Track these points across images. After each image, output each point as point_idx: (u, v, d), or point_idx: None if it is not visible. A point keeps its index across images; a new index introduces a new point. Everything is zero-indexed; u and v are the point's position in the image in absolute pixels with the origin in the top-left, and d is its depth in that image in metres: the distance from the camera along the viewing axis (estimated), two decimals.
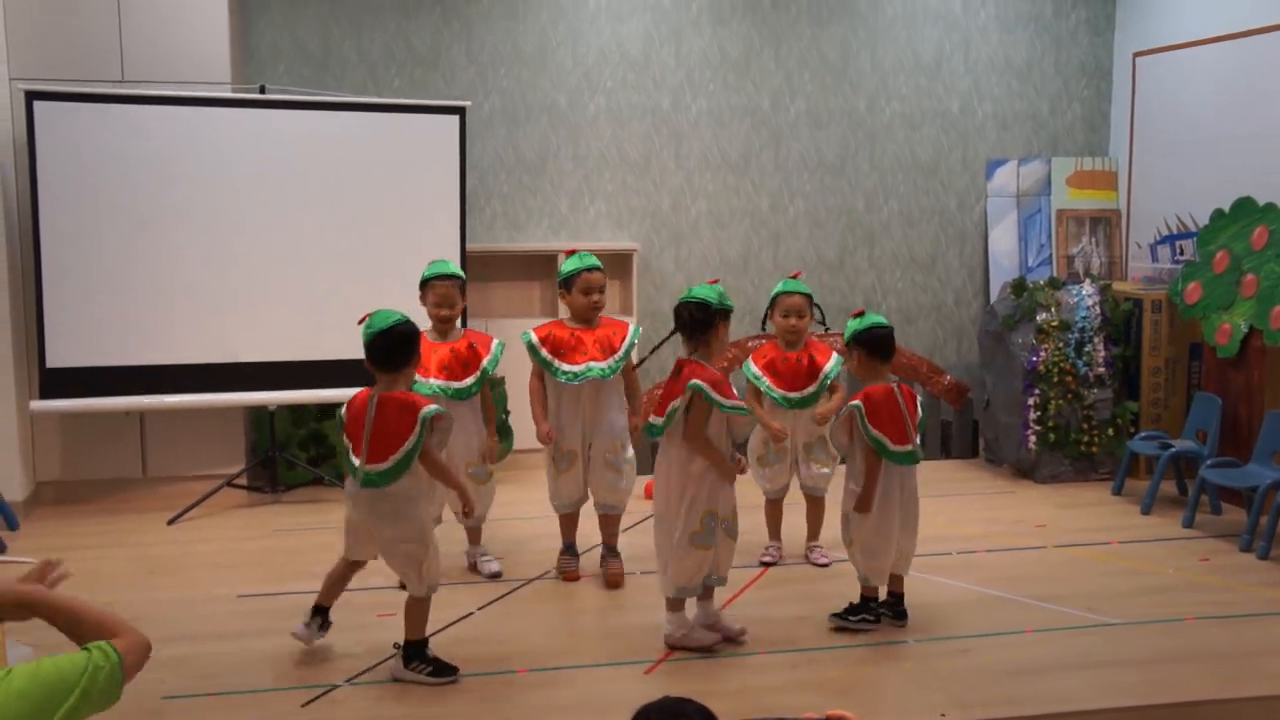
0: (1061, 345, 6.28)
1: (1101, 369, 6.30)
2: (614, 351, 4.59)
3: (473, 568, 4.79)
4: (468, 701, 3.59)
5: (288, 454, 6.06)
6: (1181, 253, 6.63)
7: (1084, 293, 6.42)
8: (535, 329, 4.64)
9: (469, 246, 6.19)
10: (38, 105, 5.37)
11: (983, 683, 3.71)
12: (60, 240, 5.47)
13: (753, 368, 4.86)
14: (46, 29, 5.62)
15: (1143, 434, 6.09)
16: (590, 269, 4.57)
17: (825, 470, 4.86)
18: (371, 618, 4.27)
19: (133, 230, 5.58)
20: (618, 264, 6.56)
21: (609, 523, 4.74)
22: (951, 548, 5.06)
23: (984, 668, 3.83)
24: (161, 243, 5.62)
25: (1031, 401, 6.26)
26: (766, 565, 4.85)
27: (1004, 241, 7.21)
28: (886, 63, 7.04)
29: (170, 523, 5.54)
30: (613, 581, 4.61)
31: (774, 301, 4.80)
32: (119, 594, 4.53)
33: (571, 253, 4.68)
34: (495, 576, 4.70)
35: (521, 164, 6.74)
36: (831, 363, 4.75)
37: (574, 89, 6.73)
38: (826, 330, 5.50)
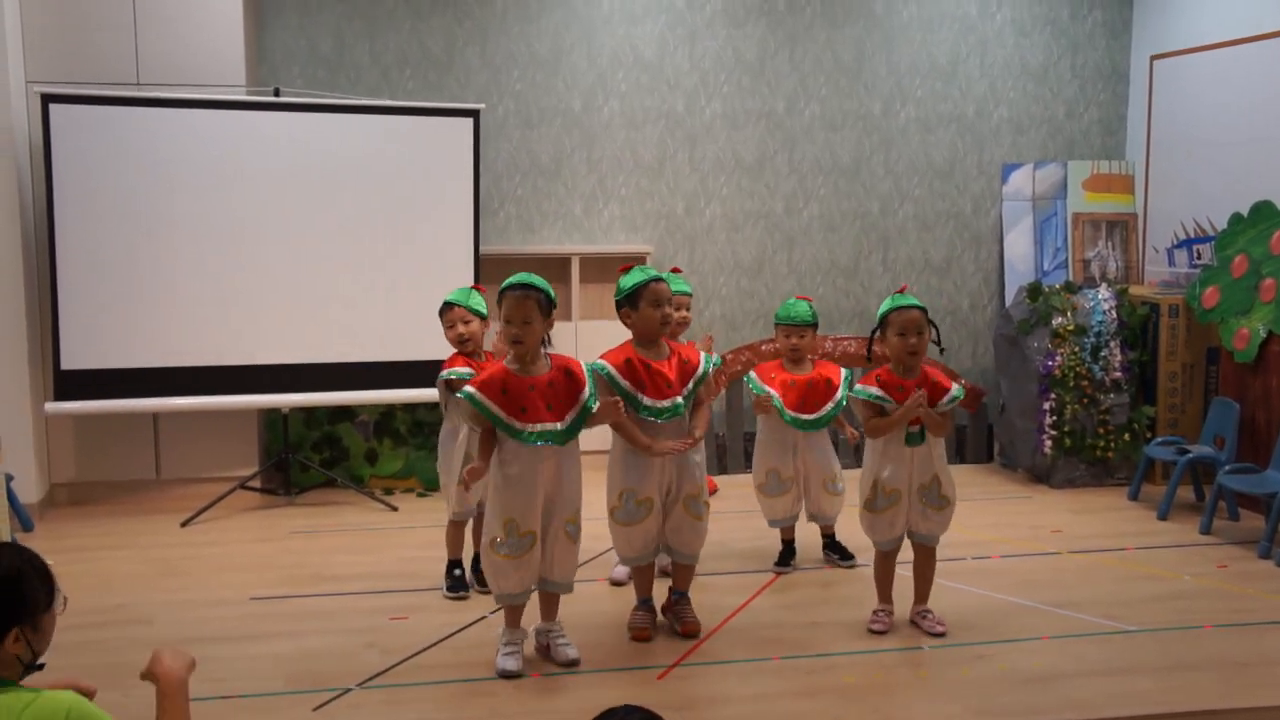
0: (1077, 350, 6.24)
1: (1118, 373, 6.26)
2: (688, 378, 4.06)
3: (544, 650, 3.98)
4: (480, 705, 3.58)
5: (301, 456, 6.07)
6: (1199, 257, 6.58)
7: (1100, 297, 6.38)
8: (607, 357, 4.06)
9: (483, 250, 6.18)
10: (54, 108, 5.39)
11: (999, 690, 3.69)
12: (75, 242, 5.49)
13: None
14: (62, 33, 5.64)
15: (1159, 439, 6.05)
16: (657, 279, 4.02)
17: (940, 514, 4.15)
18: (383, 620, 4.27)
19: (147, 232, 5.60)
20: None
21: (683, 570, 4.24)
22: (966, 553, 5.03)
23: (1000, 675, 3.80)
24: (176, 245, 5.64)
25: (1047, 406, 6.22)
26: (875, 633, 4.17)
27: (1019, 245, 7.17)
28: (902, 66, 7.01)
29: (184, 525, 5.55)
30: (689, 630, 4.15)
31: (885, 320, 4.08)
32: (132, 596, 4.54)
33: (628, 268, 4.10)
34: (571, 664, 3.89)
35: (535, 167, 6.74)
36: (953, 390, 4.12)
37: (588, 92, 6.72)
38: (942, 352, 4.94)
